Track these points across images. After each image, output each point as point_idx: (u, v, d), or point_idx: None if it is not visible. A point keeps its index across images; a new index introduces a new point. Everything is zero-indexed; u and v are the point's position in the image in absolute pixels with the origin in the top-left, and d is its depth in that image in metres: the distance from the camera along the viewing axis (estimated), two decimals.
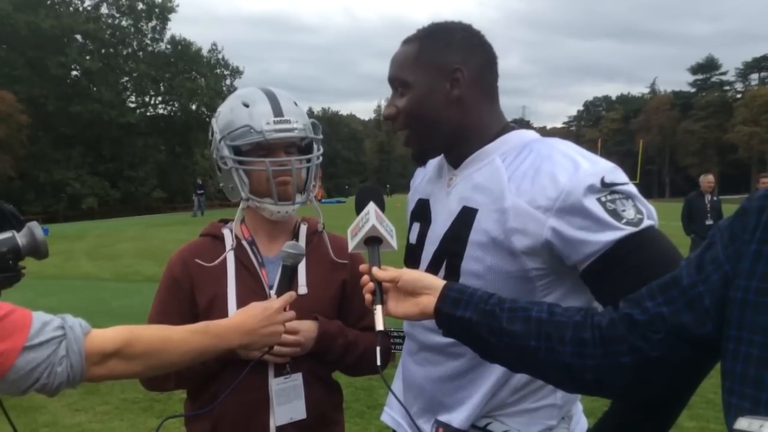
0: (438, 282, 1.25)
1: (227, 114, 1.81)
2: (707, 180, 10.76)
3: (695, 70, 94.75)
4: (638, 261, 1.24)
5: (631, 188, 1.32)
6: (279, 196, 1.76)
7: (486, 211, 1.41)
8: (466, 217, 1.44)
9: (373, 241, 1.36)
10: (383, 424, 1.71)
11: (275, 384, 1.75)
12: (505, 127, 1.53)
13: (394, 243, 1.38)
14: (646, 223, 1.28)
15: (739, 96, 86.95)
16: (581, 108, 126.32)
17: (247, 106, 1.78)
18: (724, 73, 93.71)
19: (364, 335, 1.86)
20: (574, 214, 1.29)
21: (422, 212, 1.62)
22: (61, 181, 43.64)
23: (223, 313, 1.72)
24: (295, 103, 1.84)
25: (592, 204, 1.27)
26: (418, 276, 1.28)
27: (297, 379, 1.77)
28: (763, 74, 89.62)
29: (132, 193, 47.97)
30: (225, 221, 1.95)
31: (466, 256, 1.42)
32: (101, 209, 43.56)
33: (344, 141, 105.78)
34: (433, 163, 1.69)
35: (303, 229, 1.91)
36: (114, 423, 5.00)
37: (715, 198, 10.69)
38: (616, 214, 1.27)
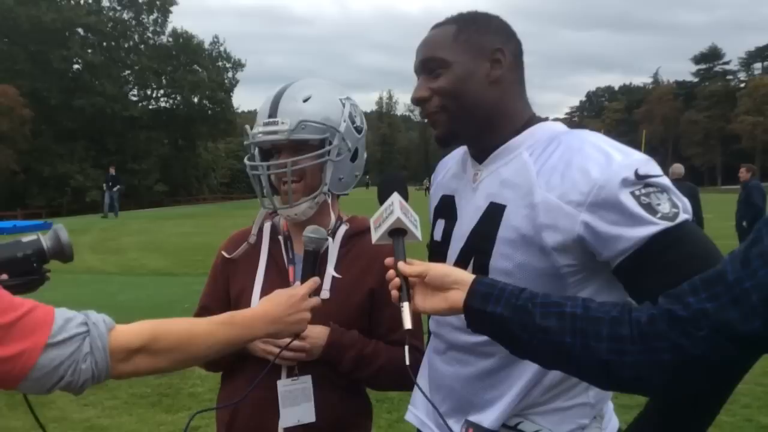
0: (467, 276, 1.21)
1: None
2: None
3: (698, 59, 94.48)
4: (675, 257, 1.20)
5: (666, 180, 1.27)
6: (279, 199, 1.76)
7: (515, 207, 1.37)
8: (494, 213, 1.40)
9: (398, 232, 1.32)
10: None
11: (281, 385, 1.73)
12: (532, 119, 1.49)
13: (418, 234, 1.34)
14: (682, 217, 1.23)
15: (742, 86, 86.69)
16: (583, 98, 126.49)
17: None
18: (726, 63, 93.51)
19: (388, 349, 1.78)
20: (607, 209, 1.24)
21: (447, 209, 1.58)
22: (65, 174, 43.52)
23: (248, 306, 1.71)
24: (305, 99, 1.73)
25: (625, 198, 1.23)
26: (447, 270, 1.23)
27: (306, 381, 1.73)
28: (766, 64, 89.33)
29: (135, 186, 47.94)
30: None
31: (495, 254, 1.38)
32: None
33: None
34: (456, 158, 1.65)
35: (341, 230, 1.85)
36: (123, 418, 4.98)
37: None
38: (650, 208, 1.22)
